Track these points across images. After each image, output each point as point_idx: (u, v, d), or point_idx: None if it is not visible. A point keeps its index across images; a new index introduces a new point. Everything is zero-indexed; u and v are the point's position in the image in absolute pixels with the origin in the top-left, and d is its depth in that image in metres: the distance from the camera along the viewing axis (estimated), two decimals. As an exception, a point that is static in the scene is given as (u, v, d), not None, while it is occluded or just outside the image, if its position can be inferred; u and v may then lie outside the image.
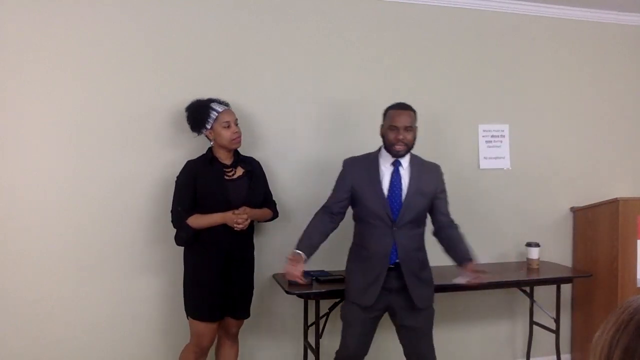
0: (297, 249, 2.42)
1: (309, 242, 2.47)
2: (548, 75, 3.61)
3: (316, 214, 2.57)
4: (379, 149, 2.58)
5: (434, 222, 2.62)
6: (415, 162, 2.56)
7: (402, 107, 2.50)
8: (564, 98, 3.64)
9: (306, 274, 2.76)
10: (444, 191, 2.61)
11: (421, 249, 2.56)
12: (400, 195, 2.47)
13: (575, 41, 3.66)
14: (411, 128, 2.48)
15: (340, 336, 2.59)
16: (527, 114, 3.57)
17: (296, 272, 2.34)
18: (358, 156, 2.60)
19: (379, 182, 2.48)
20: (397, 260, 2.46)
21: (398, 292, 2.47)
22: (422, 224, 2.57)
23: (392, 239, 2.45)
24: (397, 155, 2.48)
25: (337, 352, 2.61)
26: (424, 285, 2.53)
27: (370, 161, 2.53)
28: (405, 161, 2.52)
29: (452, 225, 2.62)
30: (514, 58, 3.54)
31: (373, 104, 3.15)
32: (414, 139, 2.50)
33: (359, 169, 2.53)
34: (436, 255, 3.34)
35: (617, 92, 3.75)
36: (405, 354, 2.57)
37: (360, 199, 2.49)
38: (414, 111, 2.52)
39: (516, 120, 3.54)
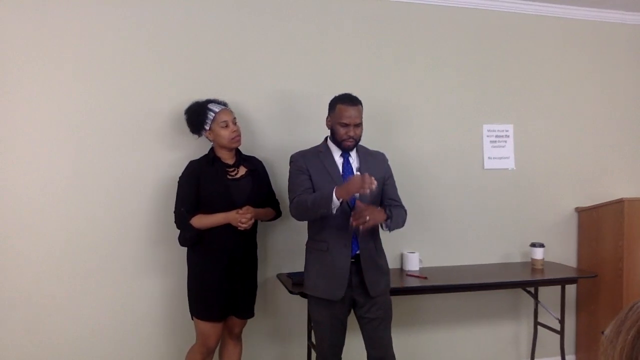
0: (332, 192, 2.25)
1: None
2: (553, 75, 3.59)
3: (300, 198, 2.40)
4: (325, 140, 2.58)
5: (381, 206, 2.58)
6: (362, 151, 2.59)
7: (351, 102, 2.47)
8: (568, 98, 3.63)
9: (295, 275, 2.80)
10: (391, 177, 2.64)
11: (377, 238, 2.56)
12: None
13: (580, 41, 3.64)
14: (360, 123, 2.49)
15: (314, 335, 2.60)
16: (531, 113, 3.55)
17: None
18: (305, 150, 2.59)
19: (337, 171, 2.49)
20: (357, 252, 2.46)
21: (359, 284, 2.47)
22: None
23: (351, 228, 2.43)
24: (346, 150, 2.51)
25: (316, 351, 2.62)
26: (381, 273, 2.53)
27: (323, 153, 2.52)
28: (352, 151, 2.55)
29: (399, 205, 2.59)
30: (519, 58, 3.52)
31: (375, 103, 3.16)
32: (362, 132, 2.52)
33: (314, 162, 2.50)
34: (445, 257, 3.39)
35: (623, 92, 3.73)
36: (366, 345, 2.56)
37: (320, 189, 2.44)
38: (361, 104, 2.51)
39: (521, 120, 3.53)
